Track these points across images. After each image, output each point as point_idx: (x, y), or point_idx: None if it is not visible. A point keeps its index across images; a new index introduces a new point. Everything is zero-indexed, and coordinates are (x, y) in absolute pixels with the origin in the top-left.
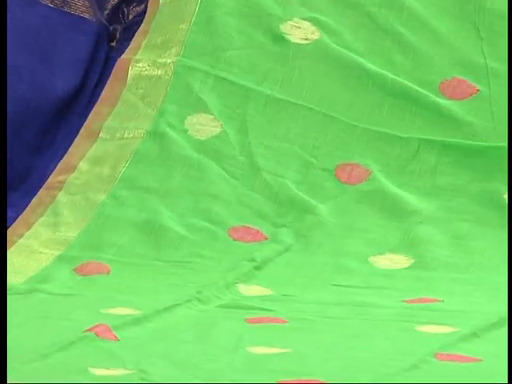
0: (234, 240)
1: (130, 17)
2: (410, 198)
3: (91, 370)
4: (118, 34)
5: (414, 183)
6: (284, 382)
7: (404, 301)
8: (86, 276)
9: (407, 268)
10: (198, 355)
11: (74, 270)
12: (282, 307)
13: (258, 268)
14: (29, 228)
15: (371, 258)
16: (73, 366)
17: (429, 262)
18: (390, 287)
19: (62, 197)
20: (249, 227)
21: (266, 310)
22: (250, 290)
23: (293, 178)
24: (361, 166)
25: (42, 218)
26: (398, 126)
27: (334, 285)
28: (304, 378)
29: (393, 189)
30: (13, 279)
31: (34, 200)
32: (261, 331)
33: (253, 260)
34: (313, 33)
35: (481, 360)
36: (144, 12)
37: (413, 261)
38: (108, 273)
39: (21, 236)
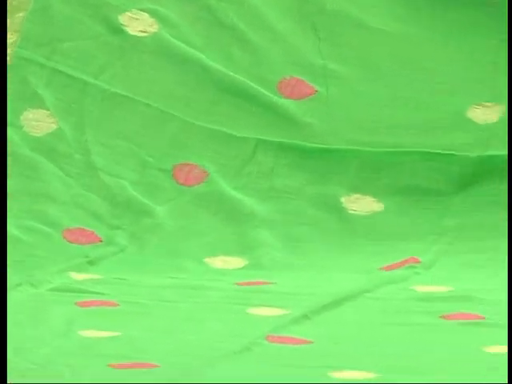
0: (69, 242)
1: None
2: (247, 201)
3: None
4: None
5: (251, 185)
6: (115, 365)
7: (236, 283)
8: None
9: (242, 268)
10: (31, 339)
11: None
12: (114, 290)
13: (91, 263)
14: None
15: (207, 259)
16: None
17: (264, 264)
18: (224, 279)
19: None
20: (84, 229)
21: (97, 293)
22: (81, 276)
23: (130, 179)
24: (198, 167)
25: None
26: (235, 125)
27: (169, 277)
28: (135, 361)
29: (230, 191)
30: None
31: None
32: (92, 315)
33: (86, 257)
34: (151, 25)
35: (312, 342)
36: None
37: (247, 262)
38: None
39: None
